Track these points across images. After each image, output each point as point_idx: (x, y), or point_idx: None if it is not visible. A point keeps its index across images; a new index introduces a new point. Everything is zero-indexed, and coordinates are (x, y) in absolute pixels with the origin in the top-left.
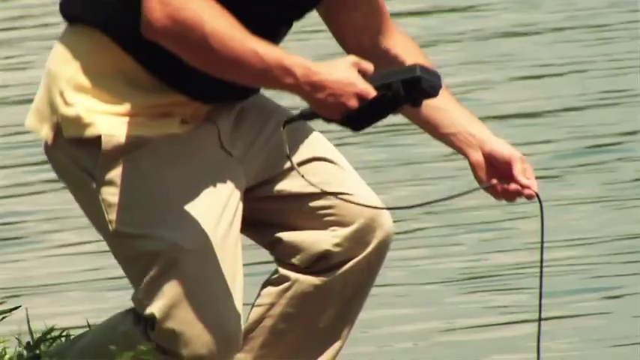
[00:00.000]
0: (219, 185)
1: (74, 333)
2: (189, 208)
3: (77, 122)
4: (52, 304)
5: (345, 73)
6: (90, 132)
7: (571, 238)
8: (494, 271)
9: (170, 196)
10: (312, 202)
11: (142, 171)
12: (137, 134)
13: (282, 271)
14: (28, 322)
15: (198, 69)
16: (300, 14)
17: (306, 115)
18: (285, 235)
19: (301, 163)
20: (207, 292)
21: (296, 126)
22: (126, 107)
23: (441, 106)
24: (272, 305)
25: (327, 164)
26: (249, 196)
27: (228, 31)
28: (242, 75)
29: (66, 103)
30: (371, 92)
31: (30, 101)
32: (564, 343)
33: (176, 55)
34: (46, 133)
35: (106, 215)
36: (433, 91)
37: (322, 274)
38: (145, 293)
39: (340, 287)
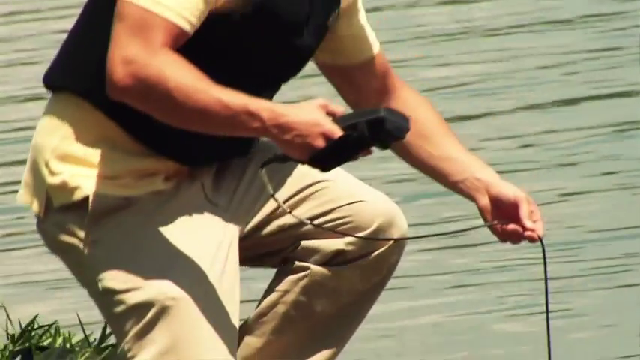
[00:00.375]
0: (206, 234)
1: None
2: (178, 258)
3: (64, 189)
4: (55, 300)
5: (311, 115)
6: (77, 195)
7: (585, 224)
8: (502, 262)
9: (158, 250)
10: (323, 218)
11: (128, 229)
12: (123, 195)
13: (299, 263)
14: (7, 315)
15: (184, 134)
16: (284, 79)
17: (280, 158)
18: (299, 244)
19: (300, 190)
20: (199, 339)
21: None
22: (112, 171)
23: (451, 156)
24: (286, 292)
25: (328, 183)
26: (249, 239)
27: (192, 83)
28: (209, 125)
29: (52, 173)
30: (336, 132)
31: (33, 98)
32: (572, 332)
33: (146, 113)
34: (36, 207)
35: (94, 275)
36: (399, 133)
37: (338, 267)
38: (135, 344)
39: (355, 281)
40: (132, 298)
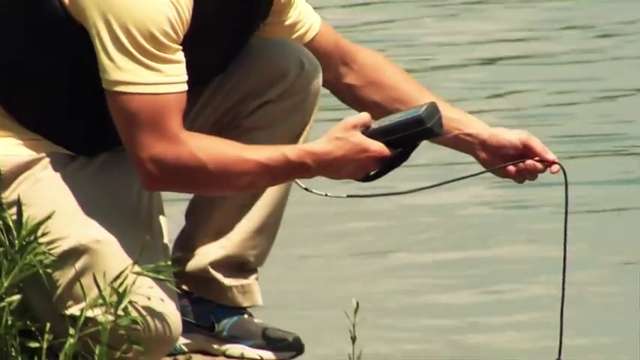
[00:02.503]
0: (125, 175)
1: None
2: (98, 203)
3: None
4: None
5: (352, 141)
6: None
7: None
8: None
9: (76, 198)
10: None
11: (42, 183)
12: (31, 152)
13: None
14: None
15: (71, 132)
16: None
17: None
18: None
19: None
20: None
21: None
22: (14, 136)
23: None
24: None
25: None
26: None
27: (228, 157)
28: (260, 187)
29: None
30: (385, 152)
31: None
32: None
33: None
34: None
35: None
36: (440, 130)
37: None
38: (67, 294)
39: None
40: (58, 249)
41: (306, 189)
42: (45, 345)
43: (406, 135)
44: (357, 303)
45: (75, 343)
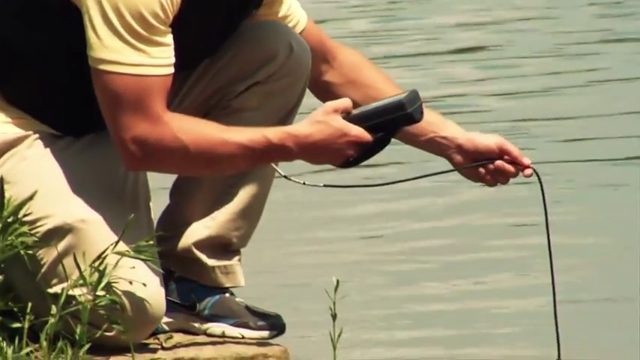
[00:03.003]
0: (112, 155)
1: None
2: (84, 182)
3: None
4: None
5: (333, 125)
6: None
7: None
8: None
9: (62, 176)
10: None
11: (29, 161)
12: (18, 130)
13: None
14: None
15: (61, 115)
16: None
17: None
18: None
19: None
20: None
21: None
22: (2, 113)
23: None
24: None
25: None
26: None
27: (209, 138)
28: (241, 168)
29: None
30: (365, 136)
31: None
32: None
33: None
34: None
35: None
36: (420, 116)
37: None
38: (52, 273)
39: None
40: (43, 226)
41: (285, 177)
42: (26, 325)
43: (387, 120)
44: (338, 281)
45: (56, 322)
